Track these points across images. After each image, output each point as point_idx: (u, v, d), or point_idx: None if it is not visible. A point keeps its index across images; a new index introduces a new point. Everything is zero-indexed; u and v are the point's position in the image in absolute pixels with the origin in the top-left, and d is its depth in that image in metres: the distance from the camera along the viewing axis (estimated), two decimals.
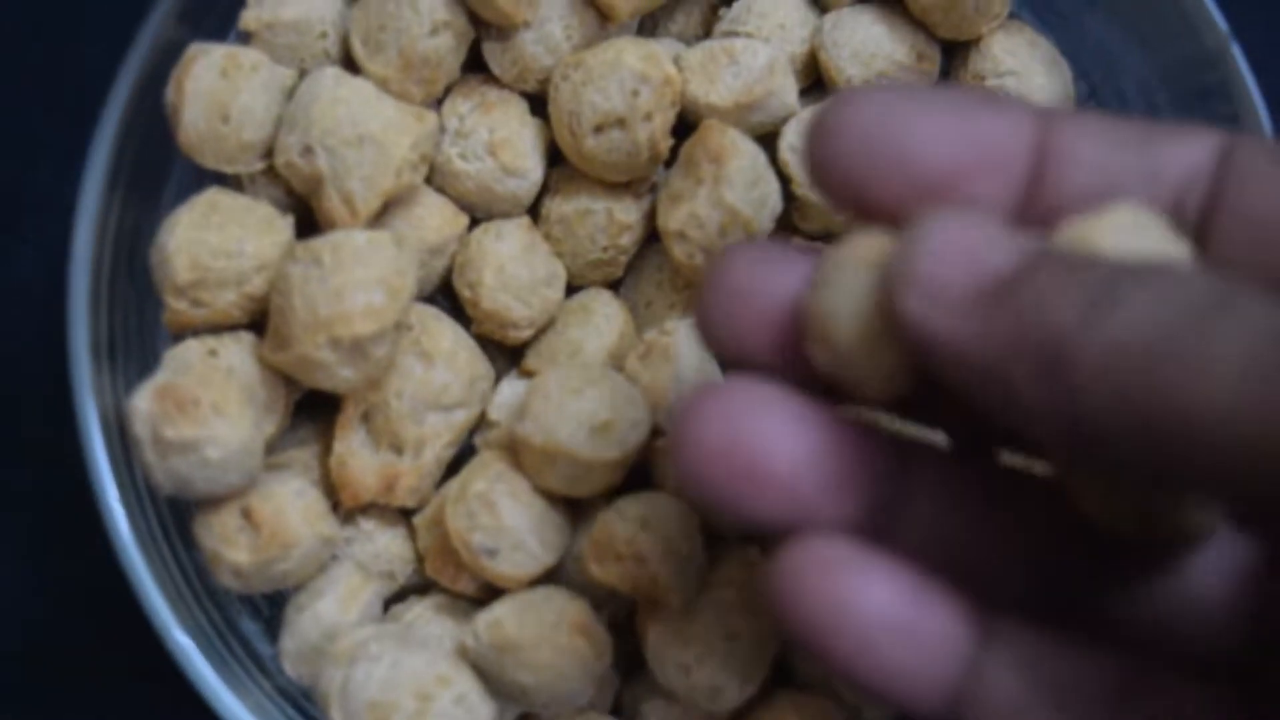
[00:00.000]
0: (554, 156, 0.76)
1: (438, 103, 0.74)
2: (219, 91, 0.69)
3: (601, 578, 0.65)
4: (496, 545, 0.68)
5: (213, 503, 0.68)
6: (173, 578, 0.68)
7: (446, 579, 0.71)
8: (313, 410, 0.74)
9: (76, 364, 0.68)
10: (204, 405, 0.65)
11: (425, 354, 0.71)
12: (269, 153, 0.71)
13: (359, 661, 0.64)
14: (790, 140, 0.74)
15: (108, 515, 0.67)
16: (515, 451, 0.68)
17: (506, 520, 0.68)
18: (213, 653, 0.67)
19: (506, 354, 0.77)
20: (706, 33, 0.79)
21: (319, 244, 0.66)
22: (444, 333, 0.72)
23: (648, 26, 0.79)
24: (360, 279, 0.65)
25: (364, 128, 0.68)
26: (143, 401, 0.65)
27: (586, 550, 0.66)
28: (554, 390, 0.67)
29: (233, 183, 0.72)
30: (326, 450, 0.72)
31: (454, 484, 0.70)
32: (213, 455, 0.65)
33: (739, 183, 0.71)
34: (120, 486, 0.68)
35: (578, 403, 0.67)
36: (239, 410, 0.66)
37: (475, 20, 0.73)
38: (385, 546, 0.73)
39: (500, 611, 0.67)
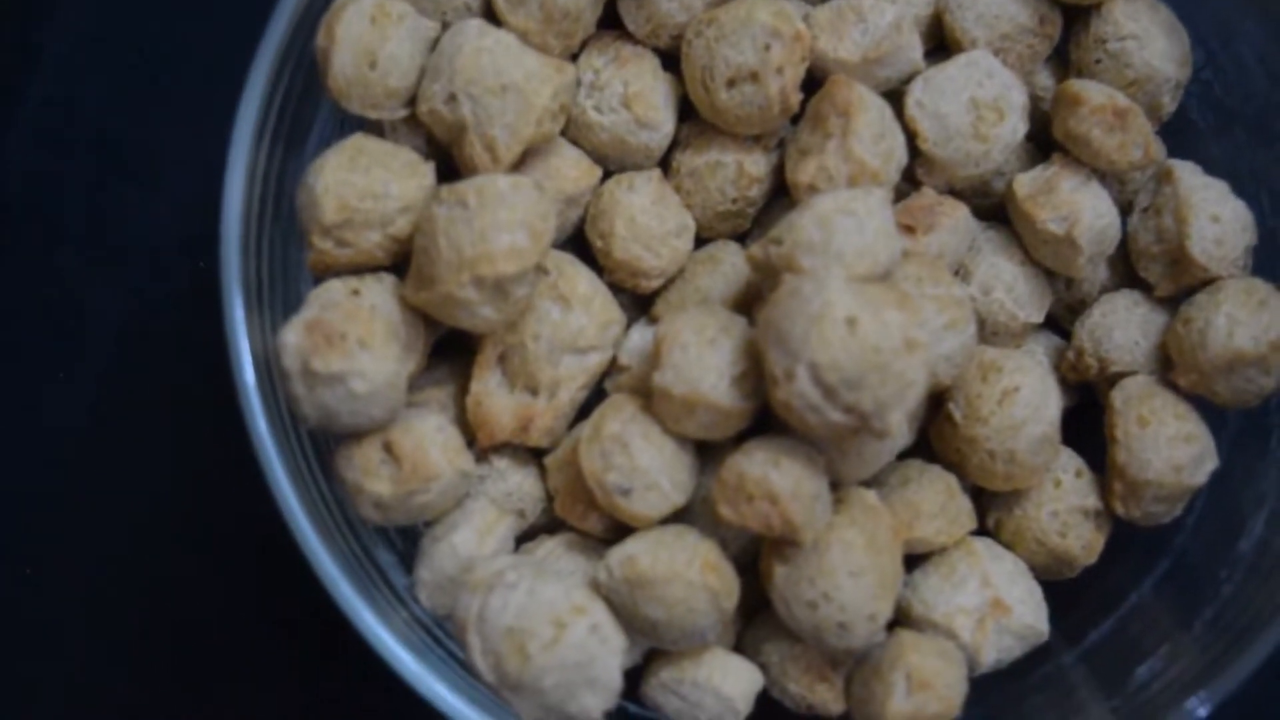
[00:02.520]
0: (685, 111, 0.78)
1: (573, 57, 0.77)
2: (367, 38, 0.71)
3: (731, 519, 0.67)
4: (631, 485, 0.69)
5: (355, 437, 0.70)
6: (318, 509, 0.71)
7: (575, 518, 0.73)
8: (449, 352, 0.76)
9: (229, 305, 0.70)
10: (351, 340, 0.67)
11: (562, 298, 0.73)
12: (412, 100, 0.74)
13: (496, 589, 0.66)
14: (917, 96, 0.76)
15: (259, 445, 0.69)
16: (651, 398, 0.70)
17: (640, 461, 0.69)
18: (357, 580, 0.70)
19: (636, 301, 0.79)
20: None
21: (463, 187, 0.68)
22: (580, 278, 0.74)
23: None
24: (504, 220, 0.67)
25: (507, 77, 0.71)
26: (292, 335, 0.67)
27: (715, 492, 0.68)
28: (690, 340, 0.68)
29: (375, 130, 0.74)
30: (463, 390, 0.75)
31: (587, 426, 0.72)
32: (359, 388, 0.67)
33: (866, 136, 0.73)
34: (270, 420, 0.70)
35: (715, 354, 0.68)
36: (384, 346, 0.68)
37: None
38: (518, 485, 0.76)
39: (634, 548, 0.69)
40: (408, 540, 0.76)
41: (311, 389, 0.67)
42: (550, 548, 0.74)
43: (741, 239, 0.79)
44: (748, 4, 0.74)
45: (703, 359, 0.68)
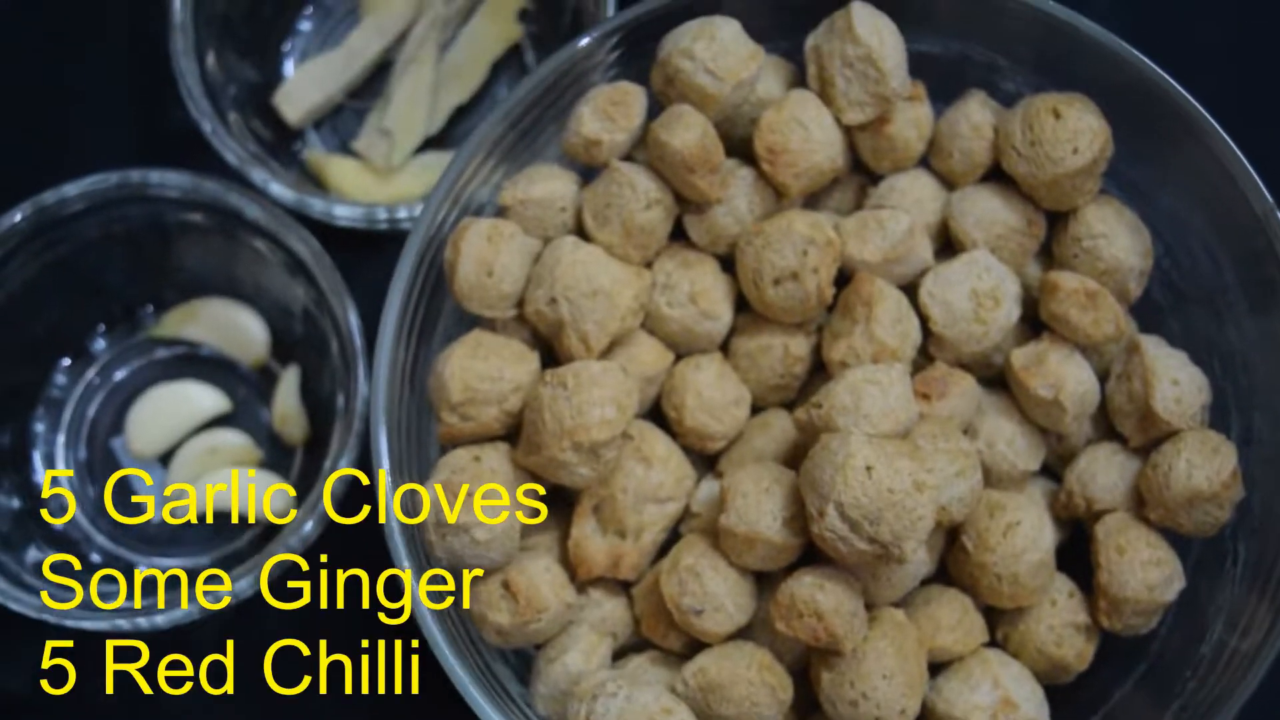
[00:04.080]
0: (740, 304, 0.88)
1: (649, 264, 0.87)
2: (485, 252, 0.83)
3: (785, 631, 0.78)
4: (702, 606, 0.80)
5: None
6: (453, 632, 0.82)
7: (658, 637, 0.83)
8: (553, 505, 0.87)
9: (379, 471, 0.82)
10: (474, 498, 0.79)
11: (644, 458, 0.84)
12: (520, 302, 0.85)
13: (600, 697, 0.77)
14: (928, 288, 0.86)
15: (405, 582, 0.81)
16: (717, 536, 0.81)
17: (710, 587, 0.80)
18: (486, 692, 0.80)
19: (704, 460, 0.89)
20: (858, 207, 0.91)
21: (564, 371, 0.80)
22: (659, 441, 0.85)
23: (812, 202, 0.92)
24: (597, 398, 0.79)
25: (597, 283, 0.82)
26: (428, 494, 0.80)
27: (772, 610, 0.78)
28: (750, 489, 0.80)
29: (489, 326, 0.86)
30: (565, 536, 0.85)
31: (666, 560, 0.82)
32: (480, 536, 0.79)
33: (886, 321, 0.84)
34: (412, 561, 0.81)
35: (770, 500, 0.79)
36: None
37: (679, 198, 0.86)
38: (610, 611, 0.85)
39: (703, 661, 0.80)
40: (519, 655, 0.86)
41: (443, 537, 0.78)
42: (638, 663, 0.83)
43: (789, 406, 0.88)
44: (788, 217, 0.84)
45: (760, 504, 0.78)
